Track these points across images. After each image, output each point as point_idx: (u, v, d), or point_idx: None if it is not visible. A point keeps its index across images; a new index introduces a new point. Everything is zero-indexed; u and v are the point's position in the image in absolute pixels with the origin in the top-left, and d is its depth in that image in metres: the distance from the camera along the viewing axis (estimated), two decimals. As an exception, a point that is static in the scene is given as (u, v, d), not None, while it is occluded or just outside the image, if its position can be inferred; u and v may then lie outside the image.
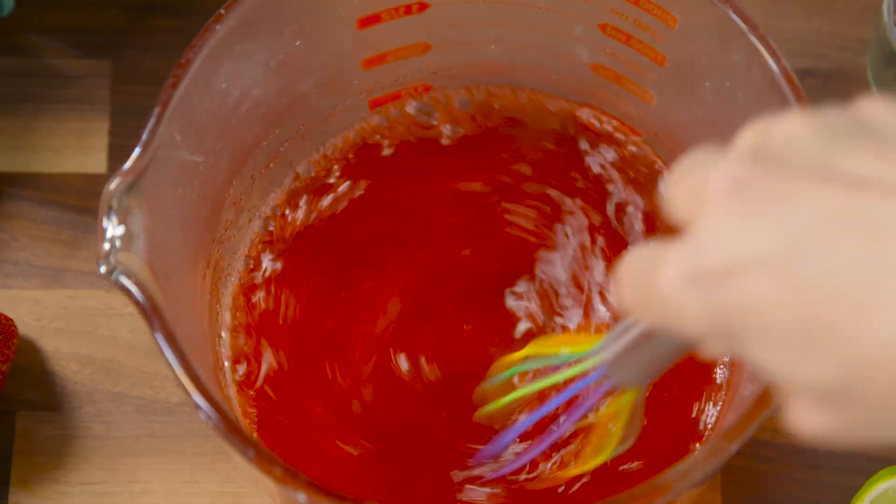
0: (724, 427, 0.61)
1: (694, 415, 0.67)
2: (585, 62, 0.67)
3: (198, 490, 0.70)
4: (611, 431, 0.60)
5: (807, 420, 0.42)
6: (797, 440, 0.71)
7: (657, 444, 0.67)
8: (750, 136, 0.44)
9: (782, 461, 0.71)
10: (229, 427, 0.55)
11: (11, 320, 0.70)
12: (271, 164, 0.69)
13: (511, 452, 0.66)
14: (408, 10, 0.65)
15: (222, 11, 0.60)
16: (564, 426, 0.62)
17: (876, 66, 0.77)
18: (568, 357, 0.59)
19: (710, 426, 0.67)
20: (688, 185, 0.44)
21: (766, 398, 0.56)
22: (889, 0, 0.72)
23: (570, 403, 0.60)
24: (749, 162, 0.43)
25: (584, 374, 0.57)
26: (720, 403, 0.67)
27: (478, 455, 0.66)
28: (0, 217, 0.74)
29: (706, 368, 0.68)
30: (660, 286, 0.44)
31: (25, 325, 0.72)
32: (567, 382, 0.59)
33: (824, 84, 0.78)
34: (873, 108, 0.43)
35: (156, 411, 0.71)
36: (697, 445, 0.67)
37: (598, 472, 0.66)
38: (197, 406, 0.55)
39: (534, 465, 0.66)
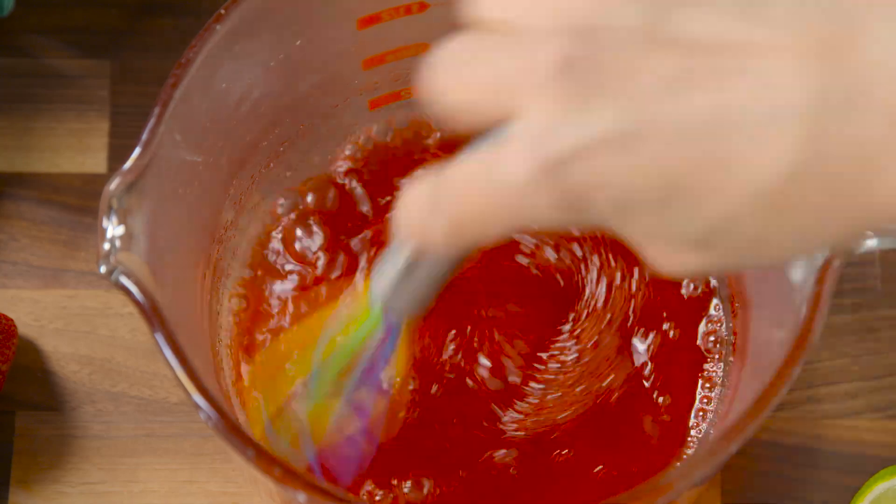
0: (723, 427, 0.61)
1: (692, 414, 0.67)
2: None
3: (197, 490, 0.70)
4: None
5: (669, 263, 0.44)
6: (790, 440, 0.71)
7: (657, 444, 0.67)
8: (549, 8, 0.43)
9: (782, 461, 0.71)
10: (229, 427, 0.55)
11: (11, 320, 0.70)
12: (271, 165, 0.69)
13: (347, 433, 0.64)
14: (408, 10, 0.65)
15: (222, 11, 0.60)
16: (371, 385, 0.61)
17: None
18: (354, 337, 0.58)
19: (708, 426, 0.67)
20: (481, 77, 0.43)
21: (765, 398, 0.56)
22: None
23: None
24: (569, 41, 0.42)
25: (373, 336, 0.57)
26: (720, 403, 0.67)
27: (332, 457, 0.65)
28: (2, 217, 0.74)
29: (702, 369, 0.68)
30: (499, 190, 0.43)
31: (25, 325, 0.72)
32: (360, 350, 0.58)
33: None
34: None
35: (155, 411, 0.71)
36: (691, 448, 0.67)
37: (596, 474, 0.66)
38: (197, 406, 0.55)
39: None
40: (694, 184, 0.41)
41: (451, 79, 0.44)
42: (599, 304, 0.69)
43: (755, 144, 0.40)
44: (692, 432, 0.67)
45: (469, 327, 0.69)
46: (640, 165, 0.41)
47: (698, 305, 0.69)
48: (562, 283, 0.70)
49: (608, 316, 0.69)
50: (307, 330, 0.61)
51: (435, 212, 0.45)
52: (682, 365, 0.68)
